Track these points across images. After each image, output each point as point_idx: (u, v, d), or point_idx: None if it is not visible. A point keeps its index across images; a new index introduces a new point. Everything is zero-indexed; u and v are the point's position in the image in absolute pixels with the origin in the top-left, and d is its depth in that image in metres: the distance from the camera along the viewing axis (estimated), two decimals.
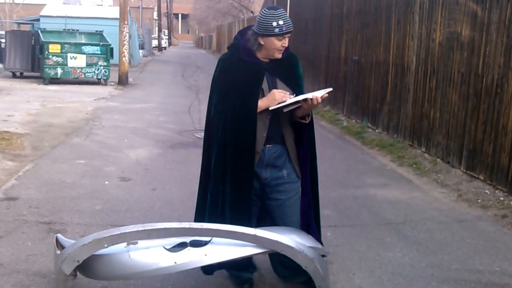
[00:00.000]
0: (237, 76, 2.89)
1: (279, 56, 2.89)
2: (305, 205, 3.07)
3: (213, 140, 2.98)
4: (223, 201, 2.95)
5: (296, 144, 3.03)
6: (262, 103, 2.83)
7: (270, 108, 2.81)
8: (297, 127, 3.00)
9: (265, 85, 2.89)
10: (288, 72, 3.00)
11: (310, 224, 3.07)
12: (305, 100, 2.77)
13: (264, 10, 2.82)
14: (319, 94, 2.78)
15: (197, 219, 3.08)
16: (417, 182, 5.91)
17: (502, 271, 3.63)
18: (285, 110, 2.83)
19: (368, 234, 4.21)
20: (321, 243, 3.07)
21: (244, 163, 2.88)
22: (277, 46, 2.82)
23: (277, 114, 2.89)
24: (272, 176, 2.97)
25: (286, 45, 2.87)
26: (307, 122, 2.95)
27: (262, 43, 2.84)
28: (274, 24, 2.76)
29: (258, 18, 2.84)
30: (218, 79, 2.97)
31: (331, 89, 2.90)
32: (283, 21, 2.77)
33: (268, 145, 2.92)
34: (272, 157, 2.94)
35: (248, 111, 2.83)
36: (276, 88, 2.88)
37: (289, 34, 2.83)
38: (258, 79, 2.88)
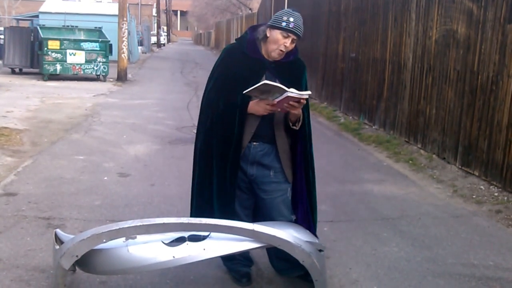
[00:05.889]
0: (236, 69, 2.91)
1: (277, 57, 2.86)
2: (302, 212, 3.04)
3: (201, 127, 3.02)
4: (210, 192, 2.97)
5: (291, 149, 3.01)
6: (250, 107, 2.83)
7: (244, 92, 2.72)
8: (293, 133, 2.98)
9: None
10: (292, 76, 2.95)
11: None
12: (287, 97, 2.65)
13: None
14: (293, 93, 2.65)
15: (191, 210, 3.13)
16: (413, 178, 5.96)
17: (495, 265, 3.67)
18: (255, 96, 2.77)
19: (364, 229, 4.26)
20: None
21: (228, 156, 2.89)
22: (279, 42, 2.82)
23: (271, 115, 2.87)
24: (258, 173, 2.98)
25: (289, 47, 2.84)
26: (297, 128, 2.91)
27: (268, 34, 2.87)
28: (284, 18, 2.82)
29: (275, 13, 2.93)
30: (218, 68, 2.99)
31: (309, 92, 2.78)
32: (293, 20, 2.82)
33: (254, 143, 2.92)
34: (258, 155, 2.95)
35: (237, 105, 2.84)
36: None
37: (294, 36, 2.82)
38: (256, 76, 2.86)
